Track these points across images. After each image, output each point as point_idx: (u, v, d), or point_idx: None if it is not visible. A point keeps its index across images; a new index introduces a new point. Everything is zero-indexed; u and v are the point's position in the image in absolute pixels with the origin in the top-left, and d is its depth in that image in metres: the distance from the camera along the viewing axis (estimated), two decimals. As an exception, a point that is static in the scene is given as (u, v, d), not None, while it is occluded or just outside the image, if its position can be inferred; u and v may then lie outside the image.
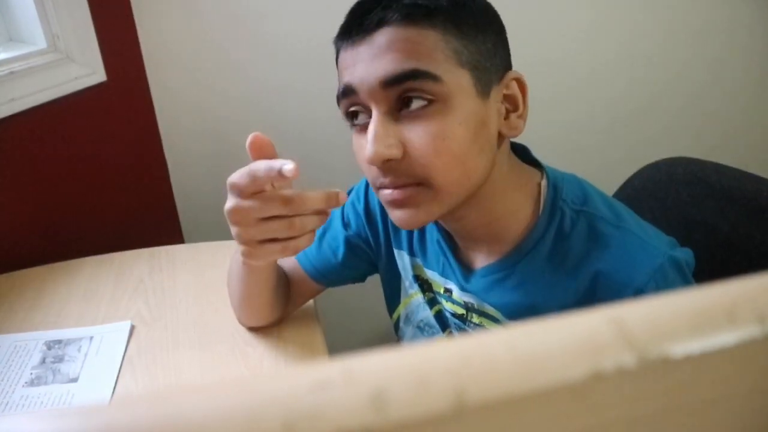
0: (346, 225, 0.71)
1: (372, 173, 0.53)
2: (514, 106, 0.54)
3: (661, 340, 0.15)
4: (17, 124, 0.88)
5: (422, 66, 0.48)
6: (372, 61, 0.49)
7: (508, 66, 0.55)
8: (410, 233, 0.67)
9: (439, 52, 0.49)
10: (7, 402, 0.65)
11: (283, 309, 0.73)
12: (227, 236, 0.99)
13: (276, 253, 0.52)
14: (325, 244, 0.72)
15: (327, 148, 1.18)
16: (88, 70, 0.97)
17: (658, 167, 0.78)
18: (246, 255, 0.53)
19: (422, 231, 0.66)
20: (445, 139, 0.49)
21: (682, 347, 0.15)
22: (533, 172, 0.59)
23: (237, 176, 0.50)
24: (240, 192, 0.49)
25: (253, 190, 0.49)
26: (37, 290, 0.84)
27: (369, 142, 0.50)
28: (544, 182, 0.58)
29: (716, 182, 0.70)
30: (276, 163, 0.47)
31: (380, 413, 0.13)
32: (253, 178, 0.48)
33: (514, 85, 0.54)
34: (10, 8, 0.93)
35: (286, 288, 0.73)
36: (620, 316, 0.16)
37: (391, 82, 0.49)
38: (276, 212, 0.50)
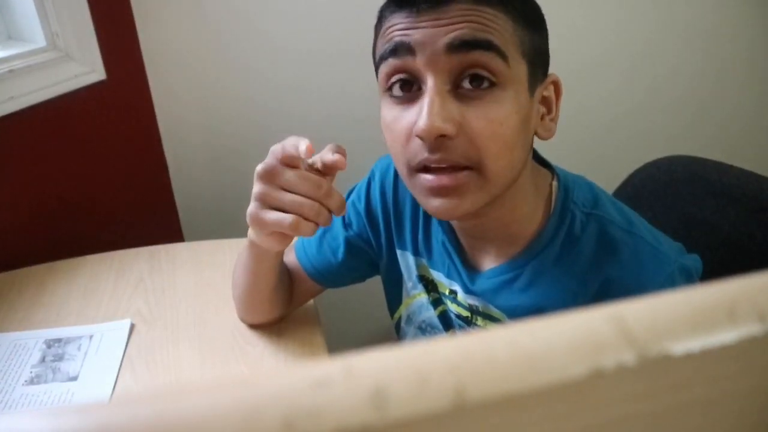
0: (347, 225, 0.71)
1: (412, 150, 0.50)
2: (548, 109, 0.55)
3: (661, 338, 0.15)
4: (17, 122, 0.88)
5: (495, 40, 0.47)
6: (440, 27, 0.47)
7: (547, 70, 0.55)
8: (415, 234, 0.66)
9: (508, 35, 0.48)
10: (7, 400, 0.65)
11: (284, 307, 0.73)
12: (227, 235, 0.99)
13: (283, 225, 0.53)
14: (326, 244, 0.72)
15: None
16: (87, 68, 0.96)
17: (658, 165, 0.77)
18: (253, 217, 0.54)
19: (427, 231, 0.65)
20: (502, 125, 0.48)
21: (683, 345, 0.15)
22: (545, 173, 0.59)
23: (277, 146, 0.54)
24: (276, 158, 0.53)
25: (285, 162, 0.53)
26: (37, 289, 0.84)
27: (425, 113, 0.47)
28: (555, 183, 0.58)
29: (717, 181, 0.70)
30: (301, 144, 0.52)
31: (380, 411, 0.13)
32: (285, 152, 0.53)
33: (552, 88, 0.55)
34: (10, 6, 0.93)
35: (288, 285, 0.73)
36: (620, 314, 0.16)
37: (461, 46, 0.46)
38: (304, 190, 0.52)
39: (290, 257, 0.74)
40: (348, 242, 0.71)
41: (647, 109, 1.22)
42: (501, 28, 0.48)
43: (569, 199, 0.56)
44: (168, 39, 1.08)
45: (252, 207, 0.54)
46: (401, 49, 0.48)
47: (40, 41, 0.92)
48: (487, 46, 0.47)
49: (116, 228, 1.08)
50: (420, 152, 0.49)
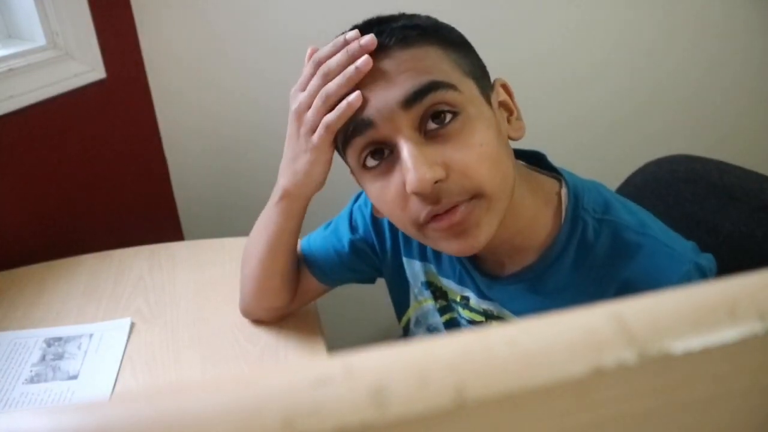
0: (353, 228, 0.71)
1: (413, 210, 0.50)
2: (509, 110, 0.57)
3: (661, 336, 0.15)
4: (16, 121, 0.88)
5: (438, 77, 0.48)
6: (383, 88, 0.48)
7: (490, 78, 0.56)
8: None
9: (444, 64, 0.49)
10: (7, 399, 0.65)
11: (289, 296, 0.73)
12: (227, 234, 0.99)
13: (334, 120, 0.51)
14: (331, 246, 0.72)
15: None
16: (87, 67, 0.96)
17: (660, 165, 0.77)
18: (320, 132, 0.53)
19: None
20: (482, 145, 0.49)
21: (683, 343, 0.15)
22: (548, 179, 0.59)
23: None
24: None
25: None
26: (37, 287, 0.84)
27: (410, 169, 0.47)
28: (564, 191, 0.57)
29: (718, 180, 0.70)
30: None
31: (380, 409, 0.13)
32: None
33: (502, 90, 0.56)
34: (10, 5, 0.93)
35: (296, 272, 0.72)
36: (621, 313, 0.16)
37: (413, 99, 0.47)
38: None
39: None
40: (353, 245, 0.70)
41: (648, 108, 1.22)
42: (437, 62, 0.49)
43: (579, 206, 0.55)
44: (168, 38, 1.08)
45: (318, 131, 0.53)
46: (361, 126, 0.49)
47: (40, 40, 0.92)
48: (435, 86, 0.48)
49: (116, 227, 1.08)
50: (422, 208, 0.49)
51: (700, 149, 0.77)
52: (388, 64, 0.49)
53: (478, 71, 0.53)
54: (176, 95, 1.13)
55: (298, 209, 0.63)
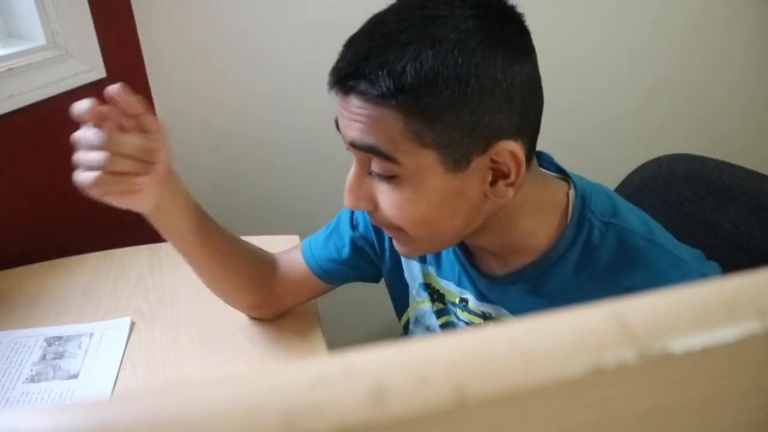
0: (354, 226, 0.71)
1: None
2: (502, 175, 0.50)
3: (661, 335, 0.15)
4: (17, 120, 0.88)
5: (379, 145, 0.48)
6: (346, 120, 0.50)
7: (504, 131, 0.48)
8: None
9: (396, 134, 0.47)
10: (8, 398, 0.65)
11: (259, 299, 0.72)
12: (227, 233, 0.98)
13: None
14: (331, 242, 0.72)
15: (327, 145, 1.18)
16: (87, 66, 0.96)
17: (659, 164, 0.77)
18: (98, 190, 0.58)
19: None
20: (404, 209, 0.51)
21: (683, 342, 0.15)
22: (558, 184, 0.57)
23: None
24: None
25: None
26: (38, 287, 0.84)
27: (345, 190, 0.53)
28: (572, 192, 0.56)
29: (717, 179, 0.70)
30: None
31: (380, 408, 0.13)
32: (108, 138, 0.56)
33: (506, 155, 0.48)
34: (10, 4, 0.93)
35: (248, 275, 0.71)
36: (621, 312, 0.16)
37: (356, 147, 0.51)
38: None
39: (296, 256, 0.74)
40: (353, 242, 0.70)
41: (648, 107, 1.22)
42: (387, 128, 0.47)
43: (586, 208, 0.55)
44: (168, 37, 1.08)
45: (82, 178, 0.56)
46: (337, 126, 0.53)
47: (40, 39, 0.92)
48: (370, 150, 0.49)
49: (116, 226, 1.08)
50: None
51: (699, 148, 0.77)
52: (352, 104, 0.49)
53: (459, 135, 0.47)
54: (176, 95, 1.13)
55: (173, 224, 0.67)
